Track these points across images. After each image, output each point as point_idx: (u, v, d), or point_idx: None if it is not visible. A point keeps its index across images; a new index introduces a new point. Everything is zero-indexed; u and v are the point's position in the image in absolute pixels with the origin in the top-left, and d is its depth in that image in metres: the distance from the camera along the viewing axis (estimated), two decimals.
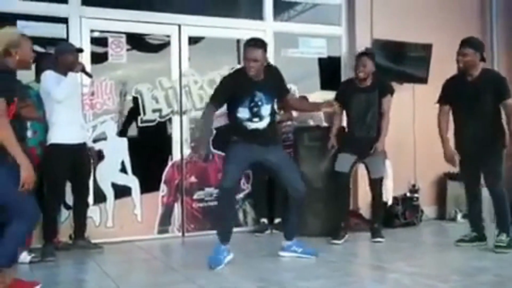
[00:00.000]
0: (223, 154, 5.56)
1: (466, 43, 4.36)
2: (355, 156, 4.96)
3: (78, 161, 4.61)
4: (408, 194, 5.93)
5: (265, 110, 4.09)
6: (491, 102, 4.33)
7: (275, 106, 4.27)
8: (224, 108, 5.65)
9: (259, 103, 4.06)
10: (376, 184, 5.04)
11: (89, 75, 4.81)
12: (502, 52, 6.58)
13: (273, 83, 4.15)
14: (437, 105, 4.61)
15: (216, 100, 4.13)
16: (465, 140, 4.44)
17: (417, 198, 5.92)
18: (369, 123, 4.92)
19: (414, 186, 6.01)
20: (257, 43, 4.04)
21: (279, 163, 4.15)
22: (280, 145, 4.34)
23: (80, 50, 4.69)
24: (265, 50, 4.03)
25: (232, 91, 4.05)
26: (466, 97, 4.39)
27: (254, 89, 4.05)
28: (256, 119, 4.08)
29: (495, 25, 6.58)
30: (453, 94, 4.49)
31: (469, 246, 4.52)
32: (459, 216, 5.99)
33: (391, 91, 5.00)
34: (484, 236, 4.59)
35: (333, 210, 5.08)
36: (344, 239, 4.90)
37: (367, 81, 4.93)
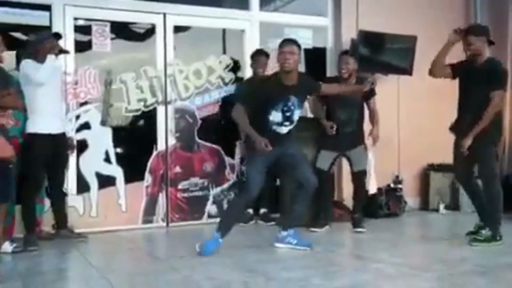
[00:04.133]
0: (208, 144, 5.61)
1: (470, 31, 4.28)
2: (337, 153, 5.03)
3: (57, 151, 4.57)
4: (392, 185, 5.98)
5: (296, 115, 4.09)
6: (485, 91, 4.23)
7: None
8: (217, 96, 5.62)
9: (292, 107, 4.02)
10: (359, 177, 5.07)
11: (66, 52, 4.71)
12: None
13: (305, 88, 4.13)
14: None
15: (246, 101, 4.03)
16: (461, 125, 4.33)
17: (401, 189, 5.97)
18: (352, 120, 4.99)
19: (397, 177, 6.06)
20: (293, 41, 4.10)
21: (296, 157, 4.17)
22: (294, 140, 4.28)
23: (58, 35, 4.62)
24: (299, 50, 4.03)
25: (264, 94, 3.98)
26: (467, 82, 4.34)
27: (289, 92, 4.00)
28: (287, 123, 4.06)
29: (479, 18, 6.61)
30: (460, 73, 4.41)
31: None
32: (441, 207, 6.06)
33: (375, 93, 5.06)
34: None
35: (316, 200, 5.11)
36: (324, 228, 4.95)
37: (351, 79, 4.96)
